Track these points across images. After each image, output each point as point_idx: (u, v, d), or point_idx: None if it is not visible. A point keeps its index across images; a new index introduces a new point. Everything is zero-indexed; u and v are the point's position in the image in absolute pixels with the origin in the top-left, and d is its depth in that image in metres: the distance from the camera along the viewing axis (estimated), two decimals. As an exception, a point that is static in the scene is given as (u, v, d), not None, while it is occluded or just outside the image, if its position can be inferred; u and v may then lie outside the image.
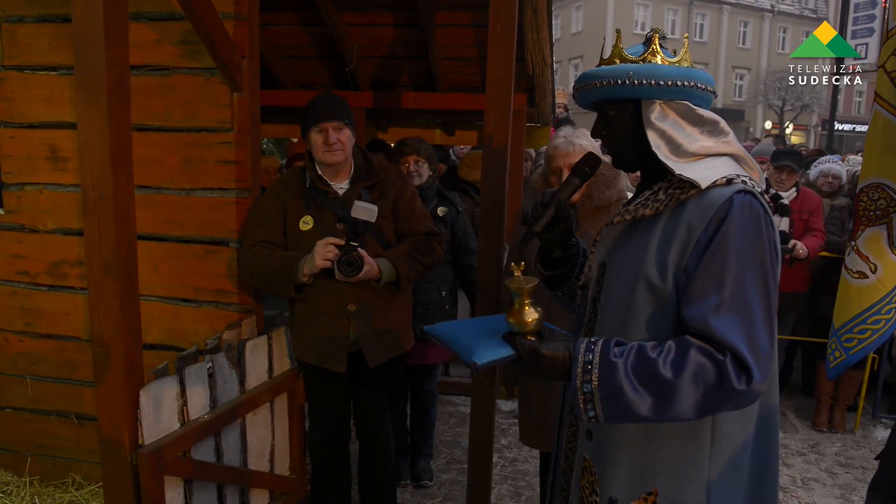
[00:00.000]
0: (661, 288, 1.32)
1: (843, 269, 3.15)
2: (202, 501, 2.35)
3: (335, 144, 2.46)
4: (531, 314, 1.33)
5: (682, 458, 1.36)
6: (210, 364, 2.35)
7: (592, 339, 1.31)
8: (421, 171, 3.33)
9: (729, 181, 1.32)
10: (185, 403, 2.23)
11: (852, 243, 3.10)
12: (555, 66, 4.43)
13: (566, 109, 8.04)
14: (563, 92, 8.13)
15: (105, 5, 1.83)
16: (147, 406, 2.06)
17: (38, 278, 2.82)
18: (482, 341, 1.39)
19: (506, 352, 1.34)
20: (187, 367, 2.25)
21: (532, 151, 5.29)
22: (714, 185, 1.31)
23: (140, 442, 2.06)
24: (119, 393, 2.00)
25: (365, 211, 2.36)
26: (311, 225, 2.51)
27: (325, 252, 2.37)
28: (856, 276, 3.03)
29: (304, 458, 2.90)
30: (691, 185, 1.33)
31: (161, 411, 2.13)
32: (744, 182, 1.32)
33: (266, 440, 2.65)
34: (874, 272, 2.98)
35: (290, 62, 4.34)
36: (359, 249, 2.35)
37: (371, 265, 2.41)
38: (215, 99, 2.55)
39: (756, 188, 1.33)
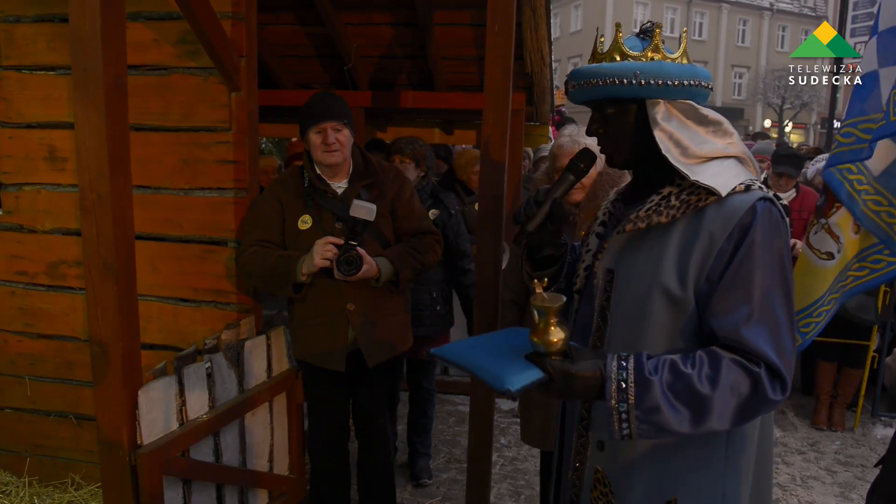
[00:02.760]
0: (680, 297, 1.29)
1: (805, 248, 2.97)
2: (201, 501, 2.35)
3: (334, 144, 2.45)
4: (557, 334, 1.24)
5: (700, 465, 1.35)
6: (209, 364, 2.35)
7: (622, 356, 1.27)
8: (406, 172, 3.31)
9: (747, 187, 1.30)
10: (183, 403, 2.23)
11: (822, 221, 2.90)
12: (554, 65, 4.43)
13: (562, 107, 8.03)
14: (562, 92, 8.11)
15: (102, 5, 1.82)
16: (146, 406, 2.06)
17: (37, 278, 2.82)
18: (505, 364, 1.30)
19: (535, 374, 1.26)
20: (186, 367, 2.25)
21: (530, 150, 5.28)
22: (734, 192, 1.29)
23: (139, 442, 2.06)
24: (118, 393, 2.00)
25: (364, 210, 2.36)
26: (310, 224, 2.51)
27: (323, 251, 2.37)
28: (823, 256, 2.86)
29: (303, 457, 2.90)
30: (708, 191, 1.30)
31: (160, 411, 2.13)
32: (760, 188, 1.31)
33: (265, 440, 2.65)
34: (839, 252, 2.86)
35: (289, 62, 4.34)
36: (357, 248, 2.35)
37: (370, 264, 2.41)
38: (213, 99, 2.55)
39: (771, 193, 1.32)
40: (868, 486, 3.59)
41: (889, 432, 4.41)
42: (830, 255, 2.82)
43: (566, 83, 1.45)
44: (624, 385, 1.23)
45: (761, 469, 1.43)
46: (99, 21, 1.83)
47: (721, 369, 1.21)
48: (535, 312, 1.25)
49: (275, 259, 2.45)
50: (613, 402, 1.23)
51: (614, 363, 1.25)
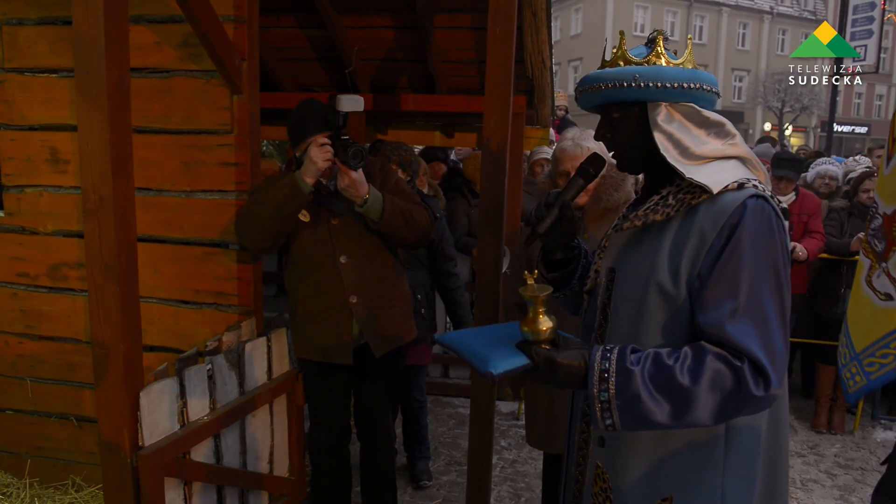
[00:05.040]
0: (673, 294, 1.31)
1: (866, 289, 3.05)
2: (202, 503, 2.35)
3: (328, 153, 2.45)
4: (545, 322, 1.31)
5: (696, 464, 1.35)
6: (210, 366, 2.36)
7: (608, 347, 1.30)
8: None
9: (740, 185, 1.31)
10: (184, 405, 2.24)
11: (883, 265, 3.00)
12: (554, 68, 4.45)
13: (566, 111, 8.05)
14: (562, 94, 8.15)
15: (105, 8, 1.83)
16: (147, 408, 2.07)
17: (39, 280, 2.82)
18: (496, 350, 1.36)
19: (521, 360, 1.32)
20: (187, 368, 2.25)
21: (527, 152, 5.30)
22: (726, 190, 1.30)
23: (140, 444, 2.06)
24: (119, 395, 2.01)
25: (352, 102, 2.33)
26: (308, 218, 2.53)
27: (323, 154, 2.36)
28: (883, 297, 2.95)
29: (303, 459, 2.90)
30: (702, 189, 1.32)
31: (161, 413, 2.13)
32: (755, 186, 1.31)
33: (265, 442, 2.65)
34: None
35: (290, 65, 4.35)
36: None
37: (363, 181, 2.40)
38: (215, 101, 2.56)
39: (766, 191, 1.33)
40: (868, 489, 3.61)
41: (889, 435, 4.42)
42: (889, 297, 2.88)
43: (576, 90, 1.49)
44: (606, 375, 1.26)
45: (772, 477, 1.41)
46: (102, 24, 1.83)
47: (704, 363, 1.22)
48: (525, 302, 1.31)
49: (272, 190, 2.43)
50: (595, 390, 1.26)
51: (598, 353, 1.29)
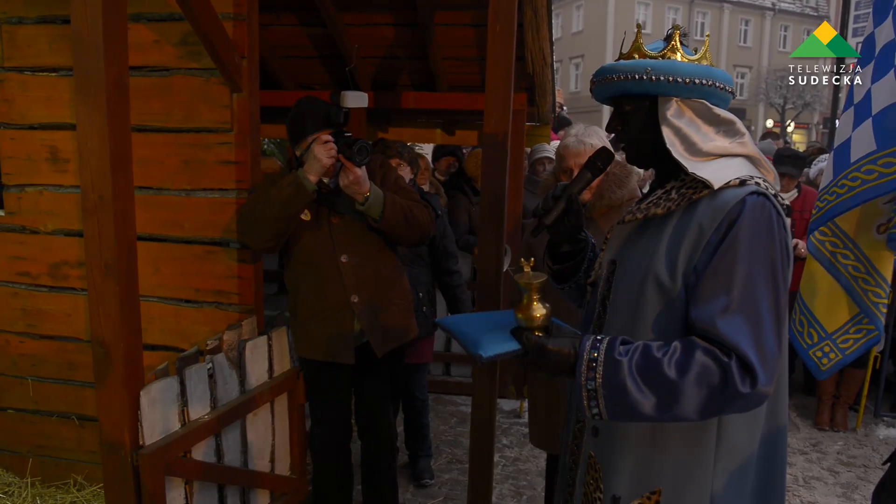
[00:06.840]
0: (669, 287, 1.31)
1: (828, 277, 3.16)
2: (203, 502, 2.35)
3: (333, 149, 2.45)
4: (539, 310, 1.33)
5: (687, 460, 1.35)
6: (210, 364, 2.35)
7: (598, 337, 1.30)
8: (403, 175, 3.35)
9: (742, 182, 1.30)
10: (185, 404, 2.24)
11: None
12: (555, 65, 4.44)
13: (562, 107, 8.04)
14: (559, 91, 8.13)
15: (104, 6, 1.83)
16: (148, 407, 2.07)
17: (39, 279, 2.82)
18: (490, 335, 1.39)
19: (512, 346, 1.35)
20: (188, 367, 2.25)
21: (527, 150, 5.29)
22: (727, 186, 1.30)
23: (141, 443, 2.06)
24: (120, 394, 2.00)
25: (357, 98, 2.33)
26: (309, 217, 2.53)
27: (328, 151, 2.37)
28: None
29: (304, 458, 2.90)
30: (704, 184, 1.32)
31: (162, 412, 2.13)
32: (757, 183, 1.31)
33: (266, 440, 2.65)
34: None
35: (290, 62, 4.34)
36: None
37: (365, 179, 2.40)
38: (215, 99, 2.55)
39: (770, 190, 1.32)
40: (871, 486, 3.60)
41: (891, 432, 4.41)
42: None
43: (591, 81, 1.49)
44: (594, 364, 1.27)
45: (768, 477, 1.41)
46: (100, 22, 1.83)
47: (692, 357, 1.22)
48: (520, 289, 1.34)
49: (275, 189, 2.42)
50: (583, 379, 1.28)
51: (588, 342, 1.30)
